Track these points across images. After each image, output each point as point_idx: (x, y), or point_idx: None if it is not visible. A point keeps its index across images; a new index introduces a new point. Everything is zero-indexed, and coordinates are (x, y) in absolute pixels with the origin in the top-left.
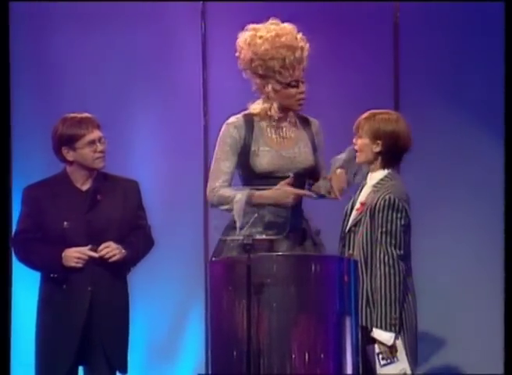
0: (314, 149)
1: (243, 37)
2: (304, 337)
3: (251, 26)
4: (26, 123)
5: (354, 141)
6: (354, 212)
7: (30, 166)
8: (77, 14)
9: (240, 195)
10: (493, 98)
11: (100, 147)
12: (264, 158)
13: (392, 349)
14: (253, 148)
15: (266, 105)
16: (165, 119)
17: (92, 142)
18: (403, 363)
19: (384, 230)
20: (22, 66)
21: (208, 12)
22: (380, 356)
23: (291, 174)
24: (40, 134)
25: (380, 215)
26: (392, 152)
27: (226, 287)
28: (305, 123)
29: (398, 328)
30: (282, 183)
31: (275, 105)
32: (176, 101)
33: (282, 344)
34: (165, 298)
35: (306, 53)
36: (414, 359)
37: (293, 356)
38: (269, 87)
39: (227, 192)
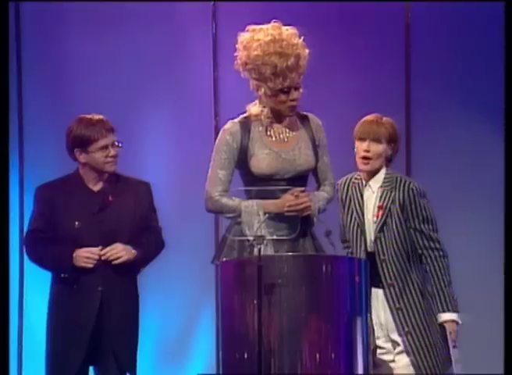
0: (315, 149)
1: (241, 39)
2: (315, 337)
3: (251, 27)
4: (38, 123)
5: (366, 147)
6: (373, 220)
7: (42, 166)
8: (89, 15)
9: (246, 204)
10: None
11: (112, 152)
12: (263, 161)
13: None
14: (251, 152)
15: (261, 108)
16: (176, 119)
17: (105, 147)
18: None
19: (421, 218)
20: (34, 67)
21: (218, 13)
22: (450, 339)
23: (292, 174)
24: (51, 134)
25: (413, 206)
26: (395, 152)
27: (237, 287)
28: (305, 121)
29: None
30: (290, 192)
31: (265, 110)
32: (187, 102)
33: (292, 344)
34: (176, 298)
35: (303, 60)
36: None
37: (304, 356)
38: (262, 91)
39: (230, 202)
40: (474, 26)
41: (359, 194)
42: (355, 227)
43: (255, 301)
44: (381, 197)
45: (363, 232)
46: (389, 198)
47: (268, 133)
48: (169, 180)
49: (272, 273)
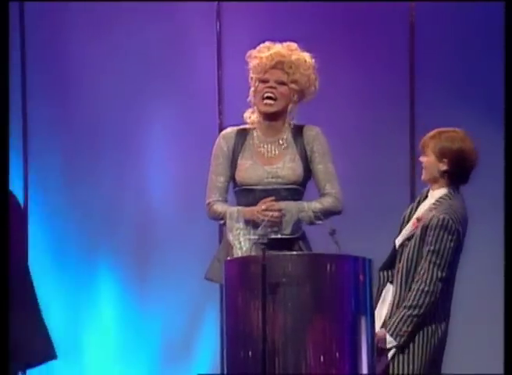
0: (306, 162)
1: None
2: (320, 336)
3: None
4: (41, 124)
5: (421, 159)
6: (409, 227)
7: (45, 168)
8: (92, 15)
9: (230, 210)
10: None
11: None
12: (245, 171)
13: (383, 350)
14: (239, 161)
15: (249, 114)
16: (181, 118)
17: None
18: (377, 368)
19: (432, 248)
20: (36, 68)
21: (222, 11)
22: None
23: (276, 187)
24: (54, 135)
25: (431, 233)
26: (459, 171)
27: (241, 286)
28: (299, 134)
29: (404, 343)
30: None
31: (255, 113)
32: (191, 101)
33: (297, 343)
34: (181, 297)
35: (292, 68)
36: None
37: (309, 356)
38: (252, 88)
39: (219, 208)
40: (479, 26)
41: (422, 198)
42: (407, 212)
43: (259, 300)
44: (424, 212)
45: (403, 226)
46: (426, 216)
47: (258, 145)
48: (174, 178)
49: (277, 272)
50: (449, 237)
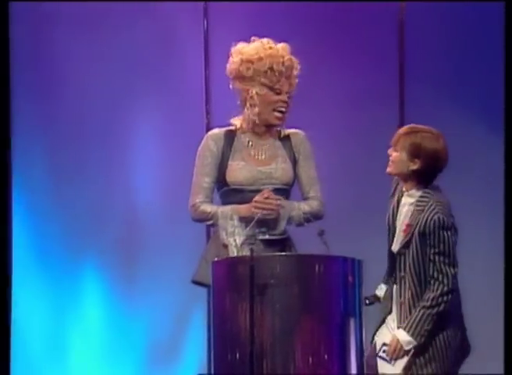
0: (294, 164)
1: (233, 49)
2: (308, 338)
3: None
4: (25, 123)
5: (390, 152)
6: (401, 234)
7: (31, 168)
8: (78, 13)
9: (221, 209)
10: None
11: None
12: (238, 172)
13: (401, 352)
14: (230, 162)
15: (245, 118)
16: (167, 118)
17: None
18: (395, 370)
19: (437, 250)
20: (21, 67)
21: (210, 10)
22: (384, 348)
23: (269, 187)
24: (40, 135)
25: (432, 236)
26: (429, 171)
27: (229, 287)
28: (286, 139)
29: (423, 342)
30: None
31: (252, 119)
32: (178, 101)
33: (285, 345)
34: (167, 298)
35: (294, 72)
36: None
37: (297, 358)
38: (253, 91)
39: (208, 208)
40: (468, 26)
41: (400, 196)
42: (386, 224)
43: (247, 302)
44: (411, 215)
45: (391, 231)
46: (416, 219)
47: (249, 147)
48: (161, 180)
49: (264, 273)
50: (449, 234)
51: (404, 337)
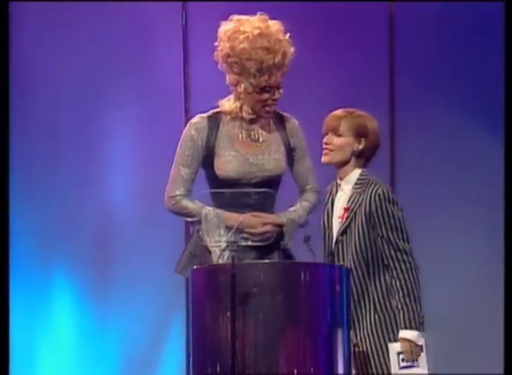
0: (289, 153)
1: (225, 29)
2: (293, 350)
3: (236, 17)
4: None
5: (326, 140)
6: (337, 221)
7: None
8: (53, 12)
9: (206, 212)
10: (494, 99)
11: None
12: (228, 164)
13: (418, 350)
14: (217, 151)
15: (237, 104)
16: (145, 117)
17: None
18: (423, 369)
19: (388, 226)
20: None
21: (189, 7)
22: (401, 356)
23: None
24: (10, 137)
25: (380, 212)
26: (370, 151)
27: (209, 297)
28: (281, 122)
29: (424, 328)
30: (258, 214)
31: (245, 107)
32: (156, 98)
33: (269, 358)
34: (144, 308)
35: (288, 58)
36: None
37: (281, 371)
38: (241, 88)
39: (190, 205)
40: (460, 24)
41: (334, 195)
42: (322, 227)
43: (228, 312)
44: (349, 199)
45: (327, 233)
46: (357, 201)
47: (239, 133)
48: (136, 182)
49: (247, 282)
50: (396, 208)
51: (412, 334)
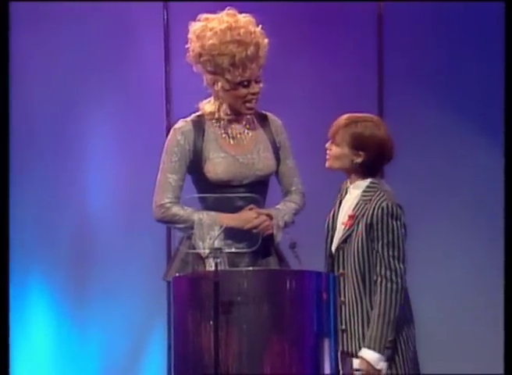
0: (275, 152)
1: (193, 28)
2: (278, 360)
3: (204, 16)
4: None
5: (328, 146)
6: (341, 227)
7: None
8: (32, 12)
9: (200, 216)
10: (489, 98)
11: None
12: (218, 166)
13: (376, 372)
14: (205, 155)
15: (216, 105)
16: (124, 119)
17: None
18: None
19: (385, 241)
20: None
21: (170, 7)
22: (357, 373)
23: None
24: None
25: (379, 225)
26: (375, 163)
27: (191, 305)
28: (264, 121)
29: (390, 354)
30: (250, 206)
31: (223, 107)
32: (136, 100)
33: (253, 368)
34: (124, 316)
35: (263, 50)
36: None
37: None
38: (219, 86)
39: (181, 211)
40: (451, 22)
41: (343, 196)
42: (325, 228)
43: (211, 321)
44: (356, 205)
45: (330, 234)
46: (362, 209)
47: (224, 134)
48: (116, 187)
49: (231, 290)
50: (399, 224)
51: (372, 355)
